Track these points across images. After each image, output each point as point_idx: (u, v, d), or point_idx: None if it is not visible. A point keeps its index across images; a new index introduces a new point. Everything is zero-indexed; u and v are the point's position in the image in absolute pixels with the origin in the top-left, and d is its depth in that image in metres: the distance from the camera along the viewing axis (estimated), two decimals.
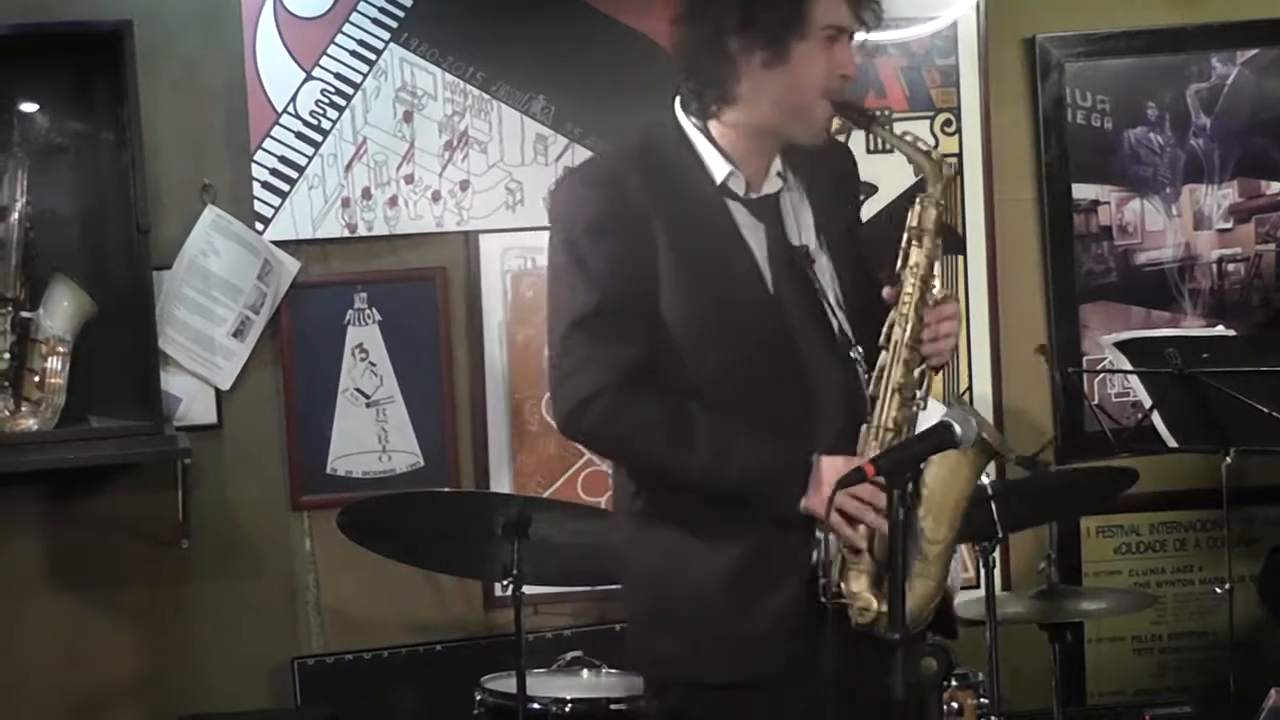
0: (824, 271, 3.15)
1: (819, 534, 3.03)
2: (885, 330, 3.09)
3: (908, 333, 3.07)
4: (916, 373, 3.08)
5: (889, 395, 3.06)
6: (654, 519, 3.12)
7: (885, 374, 3.07)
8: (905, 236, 3.11)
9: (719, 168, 3.10)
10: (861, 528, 3.02)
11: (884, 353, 3.08)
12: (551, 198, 3.19)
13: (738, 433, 3.04)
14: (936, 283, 3.10)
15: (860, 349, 3.13)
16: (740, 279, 3.09)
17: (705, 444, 3.02)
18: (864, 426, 3.07)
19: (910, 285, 3.08)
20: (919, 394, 3.09)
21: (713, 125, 3.11)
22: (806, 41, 3.03)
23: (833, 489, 2.90)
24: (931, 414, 3.04)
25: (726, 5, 3.03)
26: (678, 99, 3.15)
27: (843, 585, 3.03)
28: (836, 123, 3.20)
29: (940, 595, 3.05)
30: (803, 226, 3.16)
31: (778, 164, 3.16)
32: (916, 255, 3.09)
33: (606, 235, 3.04)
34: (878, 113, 3.18)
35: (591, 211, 3.06)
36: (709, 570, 3.07)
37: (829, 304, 3.13)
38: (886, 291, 3.09)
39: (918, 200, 3.11)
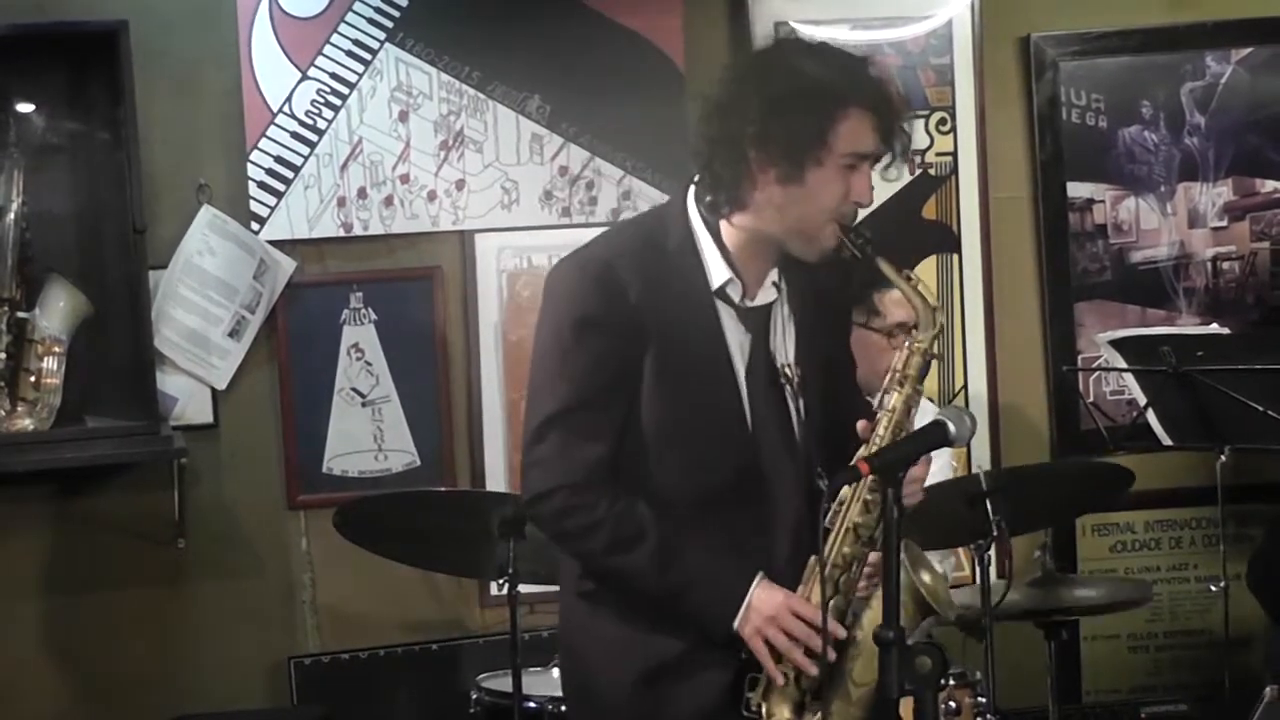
0: (800, 393, 3.12)
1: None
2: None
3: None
4: (875, 514, 3.02)
5: (844, 532, 3.02)
6: (595, 604, 3.12)
7: (844, 509, 3.03)
8: (888, 377, 3.07)
9: (718, 272, 3.06)
10: (787, 661, 3.00)
11: (847, 487, 3.03)
12: (549, 276, 3.16)
13: (684, 545, 3.03)
14: (911, 427, 3.04)
15: (824, 476, 3.08)
16: (719, 395, 3.06)
17: (647, 551, 3.01)
18: (813, 558, 3.03)
19: (883, 428, 3.03)
20: (875, 533, 3.04)
21: (722, 224, 3.07)
22: (824, 168, 2.97)
23: (766, 617, 2.95)
24: (924, 417, 3.04)
25: (749, 116, 2.97)
26: (692, 187, 3.11)
27: (763, 706, 3.02)
28: None
29: None
30: (787, 343, 3.13)
31: (774, 274, 3.12)
32: (895, 399, 3.05)
33: (595, 335, 3.02)
34: (879, 249, 3.10)
35: (584, 308, 3.03)
36: (636, 664, 3.07)
37: (799, 427, 3.11)
38: (860, 425, 3.05)
39: (906, 344, 3.07)
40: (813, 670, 2.99)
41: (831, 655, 2.99)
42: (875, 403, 3.08)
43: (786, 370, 3.11)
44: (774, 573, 3.05)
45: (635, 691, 3.07)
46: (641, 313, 3.02)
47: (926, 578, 2.98)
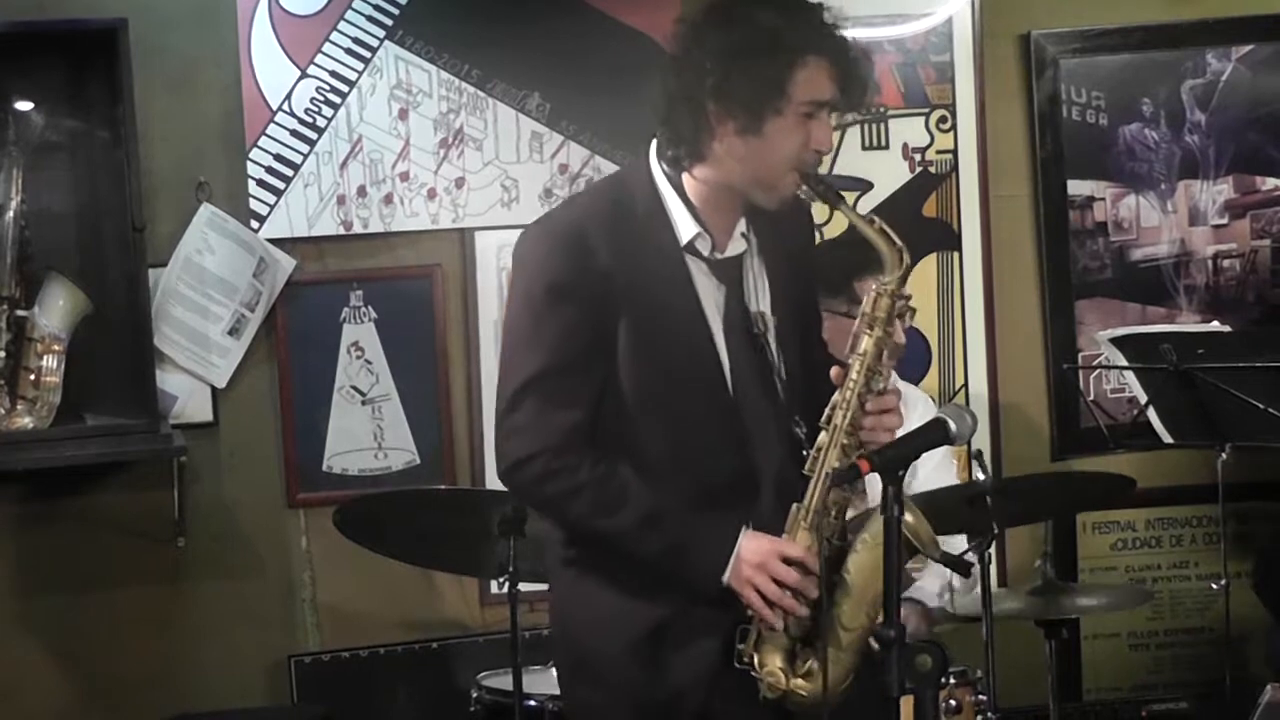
0: (776, 341, 3.14)
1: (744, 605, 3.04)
2: (828, 412, 3.06)
3: (848, 418, 3.04)
4: (852, 459, 3.02)
5: (823, 477, 3.04)
6: (582, 570, 3.14)
7: (822, 455, 3.05)
8: (857, 322, 3.07)
9: (686, 227, 3.08)
10: (779, 608, 3.02)
11: (823, 433, 3.06)
12: (518, 244, 3.16)
13: (668, 503, 3.04)
14: (884, 371, 3.06)
15: (802, 425, 3.11)
16: (695, 351, 3.07)
17: (632, 513, 3.03)
18: (795, 505, 3.05)
19: (856, 372, 3.04)
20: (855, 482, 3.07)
21: (685, 177, 3.08)
22: (783, 116, 2.99)
23: (754, 565, 2.97)
24: (925, 416, 3.04)
25: (707, 68, 2.99)
26: (653, 145, 3.12)
27: (755, 656, 3.04)
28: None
29: (850, 680, 3.03)
30: (760, 292, 3.15)
31: (743, 224, 3.14)
32: (866, 343, 3.05)
33: (567, 300, 3.03)
34: (842, 192, 3.12)
35: (554, 274, 3.04)
36: (628, 630, 3.08)
37: (778, 375, 3.12)
38: (834, 372, 3.06)
39: (874, 288, 3.07)
40: (803, 612, 3.00)
41: (813, 591, 2.99)
42: (847, 350, 3.08)
43: (762, 319, 3.13)
44: (759, 523, 3.07)
45: (627, 659, 3.08)
46: (612, 275, 3.03)
47: (909, 518, 2.96)
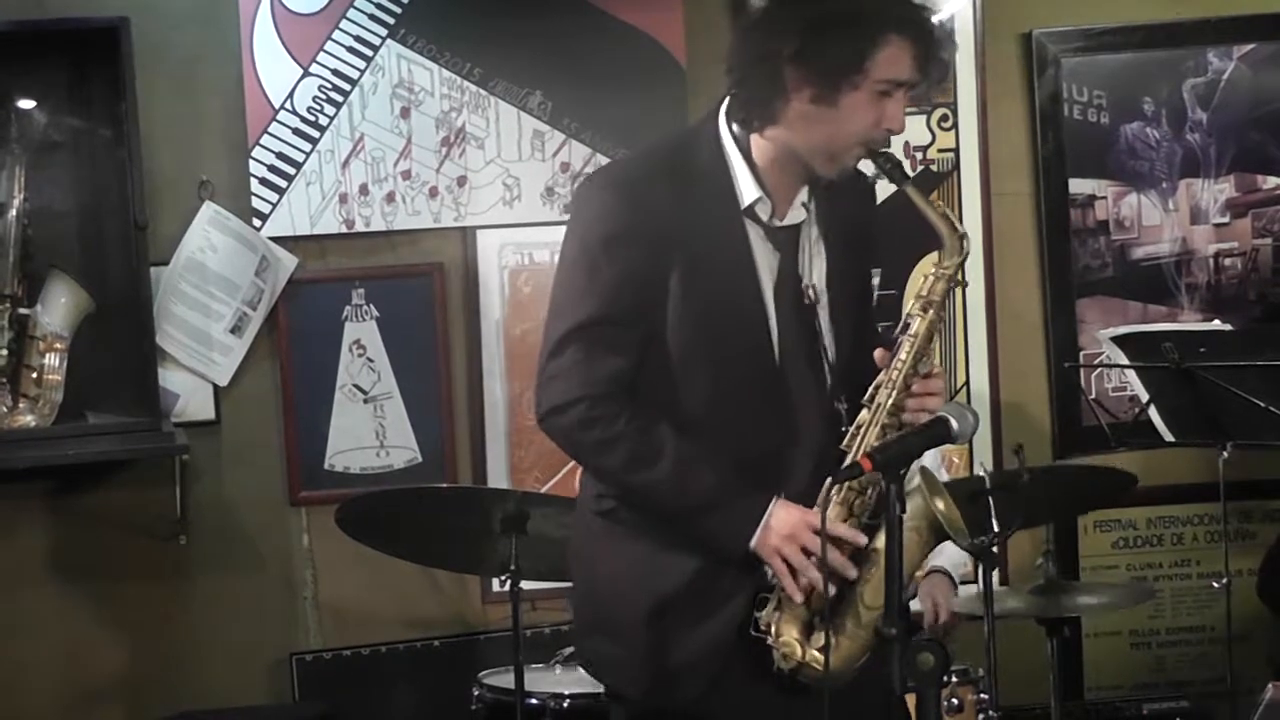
0: (825, 315, 3.14)
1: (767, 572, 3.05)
2: (871, 390, 3.06)
3: (891, 399, 3.04)
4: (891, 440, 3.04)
5: (861, 456, 3.01)
6: (613, 523, 3.13)
7: (862, 434, 3.05)
8: (911, 303, 3.08)
9: (749, 190, 3.07)
10: (804, 580, 3.01)
11: (864, 411, 3.06)
12: (576, 194, 3.17)
13: (704, 464, 3.04)
14: (932, 354, 3.07)
15: (844, 402, 3.11)
16: (744, 314, 3.07)
17: (667, 467, 3.02)
18: (829, 480, 3.02)
19: (905, 353, 3.05)
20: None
21: (753, 139, 3.07)
22: (859, 91, 2.98)
23: (784, 535, 2.97)
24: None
25: (789, 32, 2.97)
26: (724, 105, 3.11)
27: (772, 625, 3.04)
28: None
29: (866, 658, 3.03)
30: (815, 265, 3.14)
31: (804, 194, 3.13)
32: (918, 325, 3.06)
33: (622, 250, 3.02)
34: (910, 172, 3.11)
35: (612, 223, 3.04)
36: (651, 590, 3.08)
37: (824, 350, 3.12)
38: (879, 353, 3.07)
39: (933, 270, 3.08)
40: (826, 586, 2.98)
41: (851, 572, 3.00)
42: (897, 329, 3.08)
43: (812, 291, 3.12)
44: (793, 493, 3.06)
45: (647, 618, 3.07)
46: (669, 230, 3.02)
47: (941, 504, 2.99)
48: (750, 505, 3.03)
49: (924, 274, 3.11)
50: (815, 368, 3.11)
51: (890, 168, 3.08)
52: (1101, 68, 5.10)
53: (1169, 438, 4.70)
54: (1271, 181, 5.19)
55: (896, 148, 4.89)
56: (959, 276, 3.08)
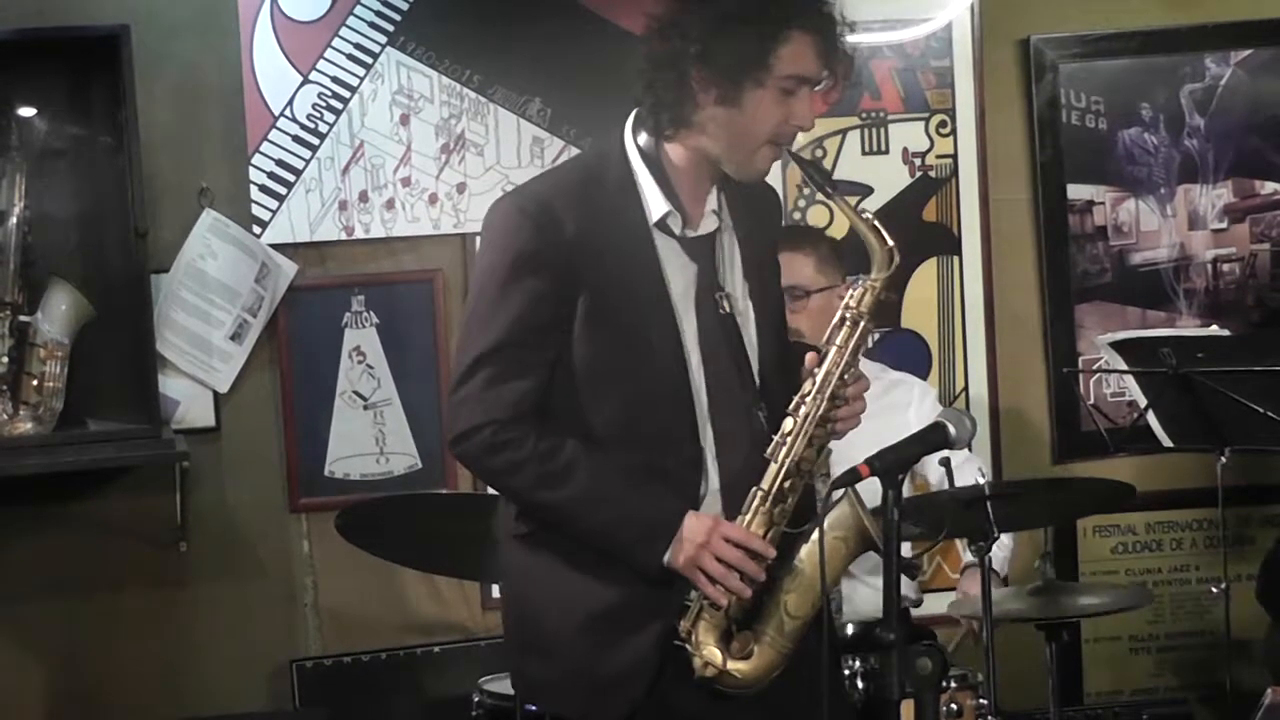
0: (746, 322, 3.15)
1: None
2: (796, 400, 3.07)
3: (820, 409, 3.05)
4: (817, 448, 3.06)
5: (786, 464, 3.04)
6: (532, 544, 3.14)
7: (788, 444, 3.05)
8: (839, 314, 3.08)
9: (657, 204, 3.08)
10: (723, 587, 3.02)
11: (790, 420, 3.06)
12: (487, 214, 3.18)
13: (615, 482, 3.04)
14: (857, 364, 3.07)
15: (764, 408, 3.12)
16: (655, 330, 3.07)
17: (575, 488, 3.03)
18: (754, 489, 3.05)
19: (831, 363, 3.06)
20: (816, 469, 3.10)
21: (665, 147, 3.08)
22: (763, 89, 3.00)
23: (698, 545, 2.98)
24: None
25: (691, 35, 3.00)
26: (630, 120, 3.13)
27: (692, 634, 3.05)
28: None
29: (781, 669, 3.05)
30: (733, 272, 3.16)
31: (713, 201, 3.14)
32: (845, 336, 3.06)
33: (530, 274, 3.03)
34: (835, 181, 3.13)
35: (520, 246, 3.05)
36: (578, 609, 3.09)
37: (748, 357, 3.13)
38: (810, 357, 3.07)
39: (861, 283, 3.08)
40: (747, 593, 3.01)
41: (762, 578, 3.01)
42: (824, 337, 3.08)
43: (730, 300, 3.13)
44: (713, 505, 3.08)
45: (578, 638, 3.08)
46: (578, 248, 3.03)
47: (867, 521, 3.00)
48: (661, 522, 3.04)
49: (851, 288, 3.12)
50: (739, 375, 3.12)
51: (814, 174, 3.13)
52: (1099, 73, 5.10)
53: (1167, 443, 4.71)
54: (1269, 187, 5.19)
55: (895, 153, 4.99)
56: (886, 290, 3.07)
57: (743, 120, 3.02)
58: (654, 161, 3.09)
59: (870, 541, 3.00)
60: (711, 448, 3.09)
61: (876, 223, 3.07)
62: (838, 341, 3.06)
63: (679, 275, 3.09)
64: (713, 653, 3.03)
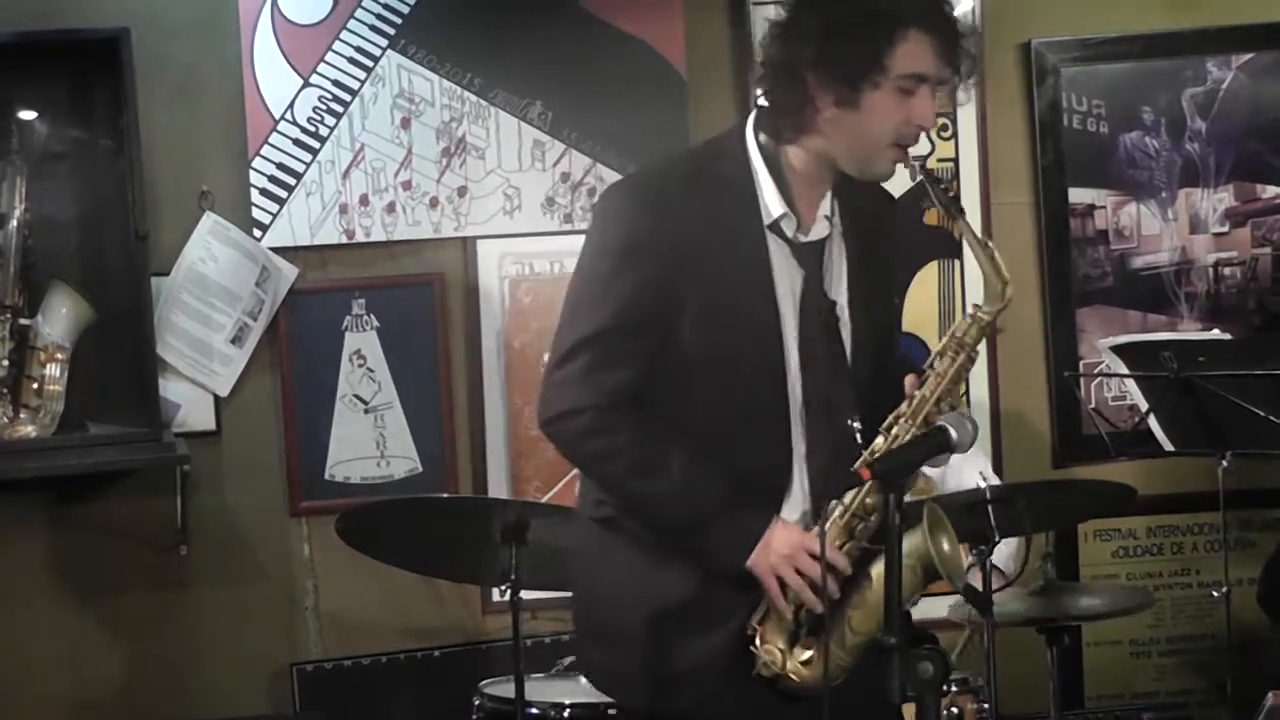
0: (848, 332, 3.13)
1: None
2: (890, 419, 3.05)
3: (911, 433, 3.03)
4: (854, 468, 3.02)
5: (860, 465, 2.99)
6: (612, 530, 3.13)
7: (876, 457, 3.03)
8: (944, 340, 3.07)
9: (774, 205, 3.06)
10: (794, 598, 3.03)
11: (882, 438, 3.05)
12: (601, 198, 3.18)
13: (706, 478, 3.04)
14: (957, 393, 3.08)
15: (858, 421, 3.11)
16: (759, 333, 3.06)
17: (669, 481, 3.02)
18: (834, 501, 3.04)
19: (929, 389, 3.04)
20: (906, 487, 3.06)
21: (787, 149, 3.06)
22: (881, 90, 2.97)
23: (782, 555, 2.98)
24: None
25: (805, 38, 2.98)
26: (751, 117, 3.11)
27: (759, 631, 3.06)
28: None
29: (841, 680, 3.03)
30: (838, 281, 3.14)
31: (826, 206, 3.12)
32: (946, 365, 3.04)
33: (640, 260, 3.01)
34: (961, 206, 3.09)
35: (631, 232, 3.03)
36: (649, 602, 3.08)
37: (846, 367, 3.12)
38: (909, 379, 3.06)
39: (971, 313, 3.05)
40: (819, 607, 2.99)
41: (835, 592, 3.00)
42: (927, 363, 3.07)
43: (836, 308, 3.11)
44: (797, 511, 3.08)
45: (645, 632, 3.08)
46: (689, 241, 3.01)
47: (947, 547, 2.97)
48: (748, 525, 3.04)
49: (965, 315, 3.08)
50: (836, 385, 3.10)
51: (946, 199, 3.08)
52: (1101, 77, 5.10)
53: (1168, 447, 4.70)
54: (1271, 191, 5.19)
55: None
56: (994, 324, 3.07)
57: (862, 122, 2.99)
58: (773, 162, 3.07)
59: (937, 573, 2.98)
60: (802, 453, 3.09)
61: (997, 255, 3.03)
62: (939, 369, 3.05)
63: (785, 279, 3.08)
64: (775, 653, 3.04)
